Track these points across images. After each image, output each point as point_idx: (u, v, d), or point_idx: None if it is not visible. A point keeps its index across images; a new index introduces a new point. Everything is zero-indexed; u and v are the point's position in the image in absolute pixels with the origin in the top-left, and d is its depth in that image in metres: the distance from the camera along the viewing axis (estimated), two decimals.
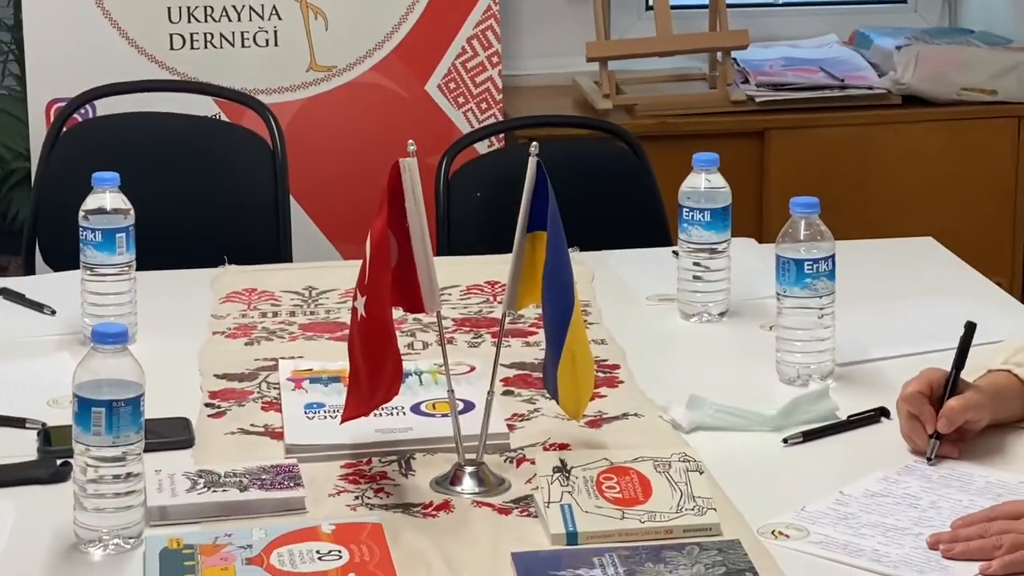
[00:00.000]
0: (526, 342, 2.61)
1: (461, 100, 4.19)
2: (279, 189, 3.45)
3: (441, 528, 1.98)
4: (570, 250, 2.13)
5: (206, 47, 4.10)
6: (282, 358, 2.51)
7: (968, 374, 2.20)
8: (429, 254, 2.11)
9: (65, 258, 3.13)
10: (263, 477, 2.06)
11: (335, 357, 2.45)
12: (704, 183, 2.69)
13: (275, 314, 2.77)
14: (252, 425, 2.29)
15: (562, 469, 2.03)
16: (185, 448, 2.20)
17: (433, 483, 2.10)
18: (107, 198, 2.55)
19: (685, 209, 2.69)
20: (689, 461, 2.06)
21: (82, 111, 3.69)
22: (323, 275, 2.97)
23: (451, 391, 2.14)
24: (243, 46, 4.11)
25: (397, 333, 2.12)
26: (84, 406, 1.88)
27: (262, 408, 2.35)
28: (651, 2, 4.53)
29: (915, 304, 2.78)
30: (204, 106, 3.88)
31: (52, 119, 3.97)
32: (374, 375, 2.09)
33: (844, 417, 2.29)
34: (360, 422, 2.15)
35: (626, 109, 4.30)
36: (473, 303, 2.82)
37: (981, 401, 2.17)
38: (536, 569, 1.85)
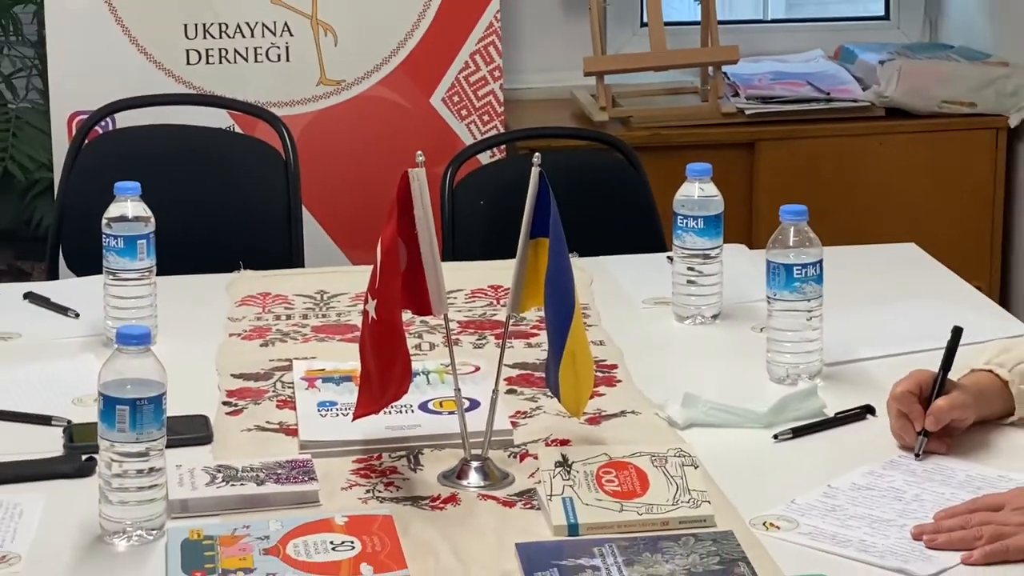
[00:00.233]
0: (528, 343, 2.61)
1: (464, 113, 4.18)
2: (291, 198, 3.45)
3: (448, 520, 1.98)
4: (570, 256, 2.13)
5: (221, 62, 4.09)
6: (296, 359, 2.51)
7: (952, 373, 2.20)
8: (437, 259, 2.12)
9: (87, 263, 3.12)
10: (279, 472, 2.06)
11: (346, 357, 2.45)
12: (698, 192, 2.68)
13: (288, 317, 2.76)
14: (268, 422, 2.29)
15: (563, 464, 2.03)
16: (204, 444, 2.20)
17: (440, 477, 2.10)
18: (129, 206, 2.54)
19: (679, 217, 2.69)
20: (684, 456, 2.06)
21: (102, 123, 3.68)
22: (334, 280, 2.97)
23: (458, 390, 2.14)
24: (256, 61, 4.11)
25: (406, 335, 2.12)
26: (109, 404, 1.88)
27: (277, 406, 2.35)
28: (645, 19, 4.53)
29: (898, 307, 2.78)
30: (219, 119, 3.87)
31: (74, 131, 3.97)
32: (384, 374, 2.09)
33: (831, 414, 2.29)
34: (371, 419, 2.15)
35: (622, 121, 4.30)
36: (477, 306, 2.82)
37: (967, 401, 2.17)
38: (539, 559, 1.85)
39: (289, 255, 3.39)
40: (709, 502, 1.98)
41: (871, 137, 4.36)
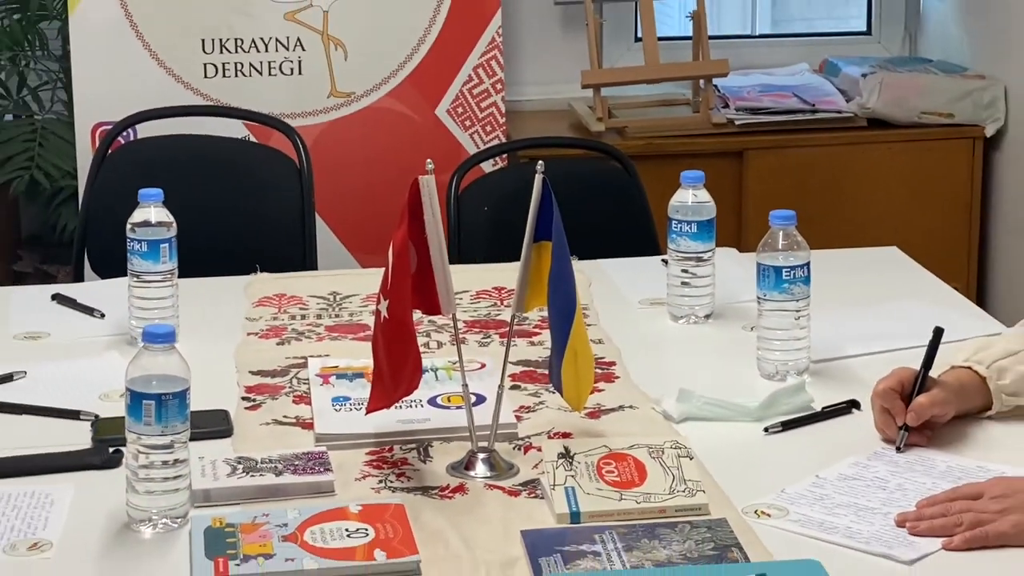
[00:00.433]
0: (531, 342, 2.60)
1: (468, 123, 4.18)
2: (305, 204, 3.44)
3: (457, 509, 1.99)
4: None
5: (237, 75, 4.09)
6: (311, 356, 2.50)
7: (932, 370, 2.20)
8: (445, 262, 2.11)
9: (111, 266, 3.12)
10: (296, 463, 2.06)
11: (358, 355, 2.46)
12: (691, 198, 2.68)
13: (303, 317, 2.76)
14: (285, 416, 2.29)
15: (566, 455, 2.04)
16: (225, 437, 2.20)
17: (449, 468, 2.11)
18: (152, 212, 2.54)
19: (674, 221, 2.68)
20: (680, 448, 2.07)
21: (124, 133, 3.66)
22: (346, 282, 2.96)
23: (465, 386, 2.14)
24: (270, 74, 4.11)
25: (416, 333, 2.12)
26: (136, 399, 1.88)
27: (293, 401, 2.35)
28: (640, 34, 4.53)
29: (881, 307, 2.78)
30: (234, 129, 3.87)
31: (97, 141, 3.97)
32: (396, 371, 2.09)
33: (819, 408, 2.29)
34: (383, 413, 2.16)
35: (617, 131, 4.30)
36: (482, 307, 2.81)
37: (947, 398, 2.18)
38: (543, 545, 1.85)
39: (303, 258, 3.39)
40: (704, 491, 1.99)
41: (854, 146, 4.35)
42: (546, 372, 2.41)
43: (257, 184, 3.50)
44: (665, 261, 2.79)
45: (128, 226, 2.55)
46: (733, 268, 2.88)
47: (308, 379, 2.41)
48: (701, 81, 4.41)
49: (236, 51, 4.09)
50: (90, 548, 1.89)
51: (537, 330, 2.65)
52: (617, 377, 2.45)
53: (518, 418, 2.26)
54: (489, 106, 4.19)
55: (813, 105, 4.38)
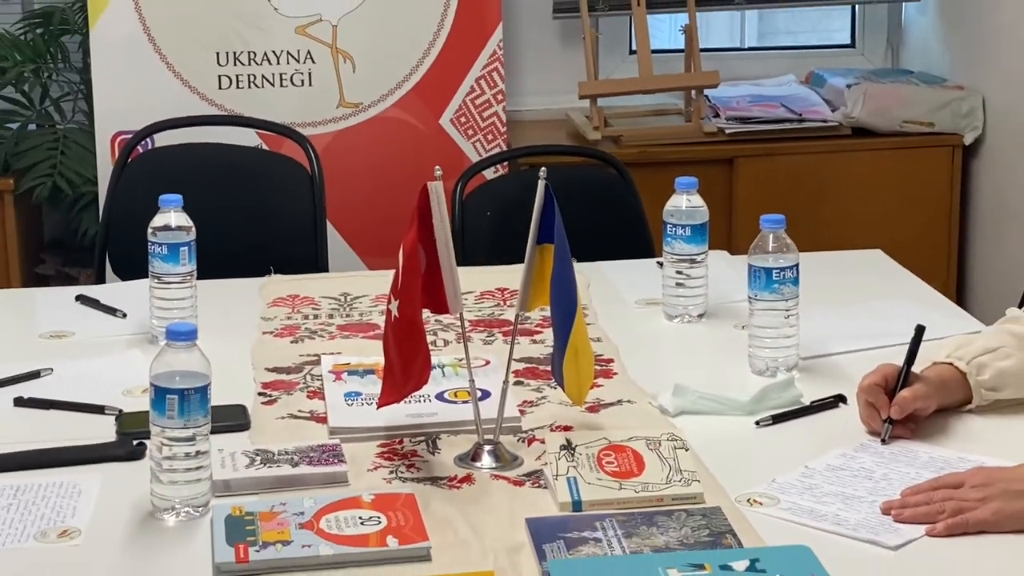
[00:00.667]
0: (533, 340, 2.61)
1: (471, 132, 4.18)
2: (317, 209, 3.44)
3: (464, 498, 1.99)
4: None
5: (250, 87, 4.10)
6: (323, 354, 2.50)
7: (915, 366, 2.21)
8: (453, 263, 2.11)
9: (131, 268, 3.14)
10: (311, 455, 2.07)
11: (369, 353, 2.46)
12: (685, 203, 2.68)
13: (315, 316, 2.76)
14: (299, 411, 2.29)
15: (568, 447, 2.04)
16: (243, 431, 2.21)
17: (456, 459, 2.11)
18: (172, 217, 2.54)
19: (669, 225, 2.69)
20: (676, 440, 2.07)
21: (142, 143, 3.66)
22: (356, 283, 2.96)
23: (472, 381, 2.14)
24: (281, 86, 4.11)
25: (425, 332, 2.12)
26: (160, 394, 1.89)
27: (307, 396, 2.35)
28: (634, 47, 4.54)
29: (866, 307, 2.78)
30: (247, 138, 3.86)
31: (117, 149, 3.98)
32: (406, 367, 2.09)
33: (807, 403, 2.30)
34: (393, 408, 2.16)
35: (613, 140, 4.30)
36: (486, 306, 2.82)
37: (929, 392, 2.18)
38: (547, 532, 1.85)
39: (315, 261, 3.38)
40: (699, 481, 1.99)
41: (840, 154, 4.36)
42: (548, 369, 2.42)
43: (270, 190, 3.50)
44: (660, 263, 2.80)
45: (149, 230, 2.55)
46: (725, 270, 2.89)
47: (321, 375, 2.41)
48: (693, 92, 4.41)
49: (249, 63, 4.10)
50: (117, 535, 1.90)
51: (539, 329, 2.65)
52: (615, 373, 2.45)
53: (522, 412, 2.27)
54: (491, 116, 4.19)
55: (800, 115, 4.39)
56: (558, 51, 4.68)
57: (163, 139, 3.71)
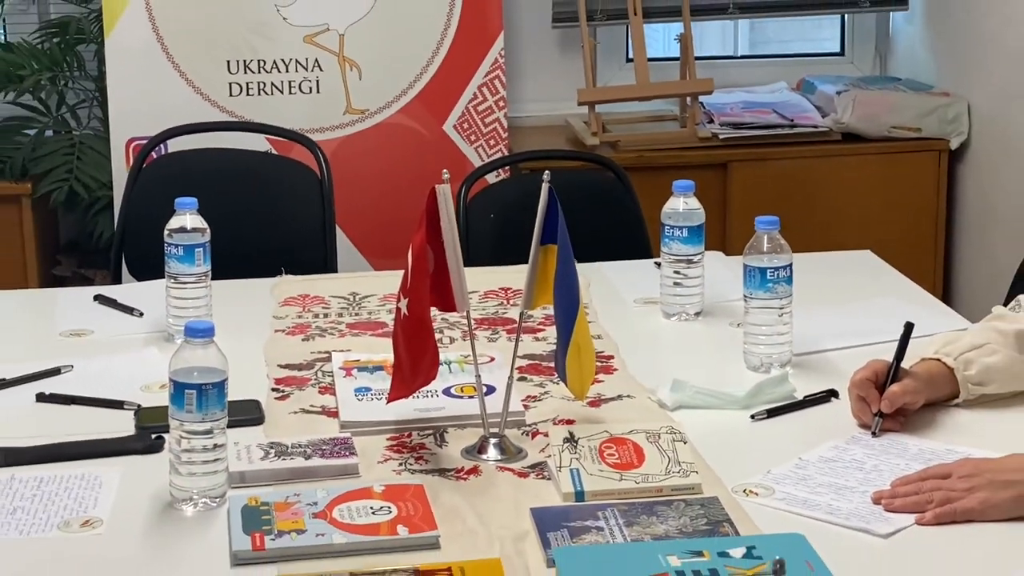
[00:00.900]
0: (535, 337, 2.61)
1: (473, 138, 4.18)
2: (326, 211, 3.44)
3: (471, 489, 2.00)
4: None
5: (259, 94, 4.10)
6: (334, 351, 2.51)
7: (904, 362, 2.22)
8: (460, 263, 2.12)
9: (146, 269, 3.15)
10: (323, 447, 2.08)
11: (377, 350, 2.47)
12: (682, 205, 2.69)
13: (326, 315, 2.76)
14: (311, 406, 2.30)
15: (570, 440, 2.05)
16: (257, 425, 2.21)
17: (463, 452, 2.12)
18: (188, 219, 2.54)
19: (666, 227, 2.69)
20: (675, 433, 2.08)
21: (156, 148, 3.65)
22: (364, 283, 2.97)
23: (478, 377, 2.15)
24: (290, 93, 4.11)
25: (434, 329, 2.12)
26: (179, 389, 1.90)
27: (319, 392, 2.35)
28: (631, 55, 4.54)
29: (856, 305, 2.79)
30: (257, 143, 3.85)
31: (131, 155, 3.98)
32: (415, 363, 2.10)
33: (800, 397, 2.30)
34: (402, 402, 2.17)
35: (611, 145, 4.30)
36: (490, 305, 2.82)
37: (918, 387, 2.19)
38: (551, 521, 1.87)
39: (324, 262, 3.38)
40: (697, 472, 2.00)
41: (830, 158, 4.36)
42: (550, 365, 2.44)
43: (281, 194, 3.50)
44: (658, 263, 2.80)
45: (165, 232, 2.55)
46: (720, 270, 2.89)
47: (332, 372, 2.42)
48: (688, 98, 4.42)
49: (259, 71, 4.10)
50: (137, 525, 1.91)
51: (541, 327, 2.66)
52: (616, 369, 2.46)
53: (526, 407, 2.28)
54: (493, 122, 4.20)
55: (791, 120, 4.39)
56: (557, 59, 4.68)
57: (176, 144, 3.71)
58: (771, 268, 2.41)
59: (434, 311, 2.16)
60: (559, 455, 2.03)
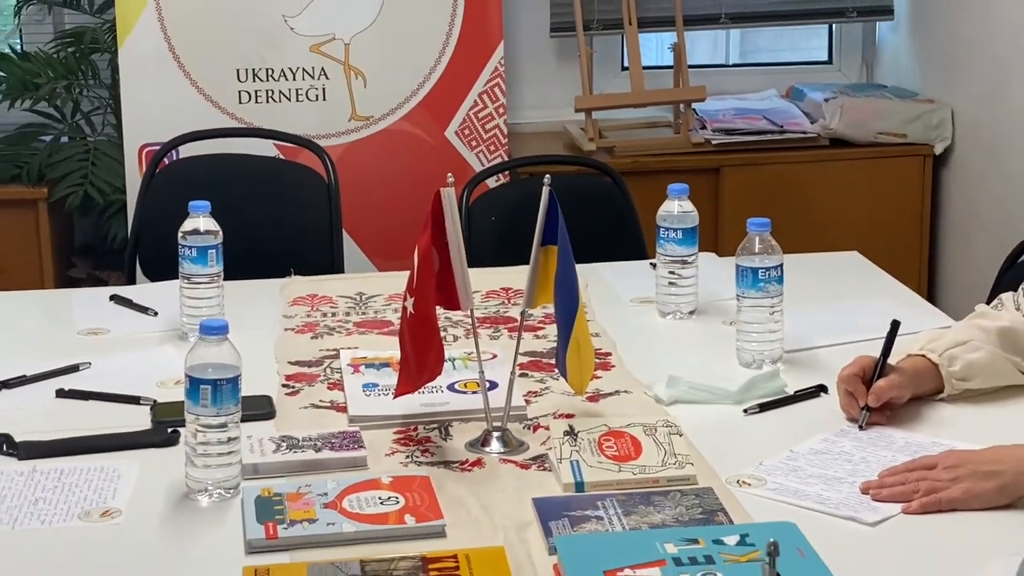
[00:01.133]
0: (536, 335, 2.62)
1: (474, 143, 4.19)
2: (333, 214, 3.44)
3: (475, 480, 2.01)
4: None
5: (268, 101, 4.10)
6: (342, 348, 2.51)
7: (891, 358, 2.23)
8: (464, 264, 2.13)
9: (159, 270, 3.15)
10: (332, 441, 2.09)
11: (384, 347, 2.47)
12: (677, 208, 2.69)
13: (334, 314, 2.76)
14: (321, 401, 2.30)
15: (570, 433, 2.06)
16: (269, 419, 2.22)
17: (467, 445, 2.12)
18: (201, 221, 2.55)
19: (662, 229, 2.69)
20: (671, 427, 2.09)
21: (168, 154, 3.65)
22: (370, 283, 2.97)
23: (482, 373, 2.16)
24: (297, 100, 4.12)
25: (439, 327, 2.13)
26: (194, 384, 1.91)
27: (328, 388, 2.36)
28: (626, 63, 4.55)
29: (845, 304, 2.79)
30: (265, 149, 3.85)
31: (144, 160, 3.98)
32: (421, 360, 2.10)
33: (791, 392, 2.31)
34: (408, 397, 2.17)
35: (607, 150, 4.30)
36: (492, 305, 2.82)
37: (904, 382, 2.20)
38: (552, 510, 1.87)
39: (331, 263, 3.38)
40: (692, 464, 2.01)
41: (818, 163, 4.36)
42: (550, 362, 2.44)
43: (290, 198, 3.50)
44: (653, 264, 2.80)
45: (179, 234, 2.55)
46: (713, 270, 2.89)
47: (340, 368, 2.42)
48: (681, 105, 4.43)
49: (267, 79, 4.11)
50: (155, 515, 1.92)
51: (541, 325, 2.67)
52: (613, 366, 2.47)
53: (527, 401, 2.28)
54: (493, 128, 4.20)
55: (781, 126, 4.40)
56: (555, 67, 4.69)
57: (188, 150, 3.71)
58: (763, 268, 2.41)
59: (439, 310, 2.17)
60: (560, 448, 2.04)
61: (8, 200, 4.27)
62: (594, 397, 2.31)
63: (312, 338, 2.64)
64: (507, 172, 3.98)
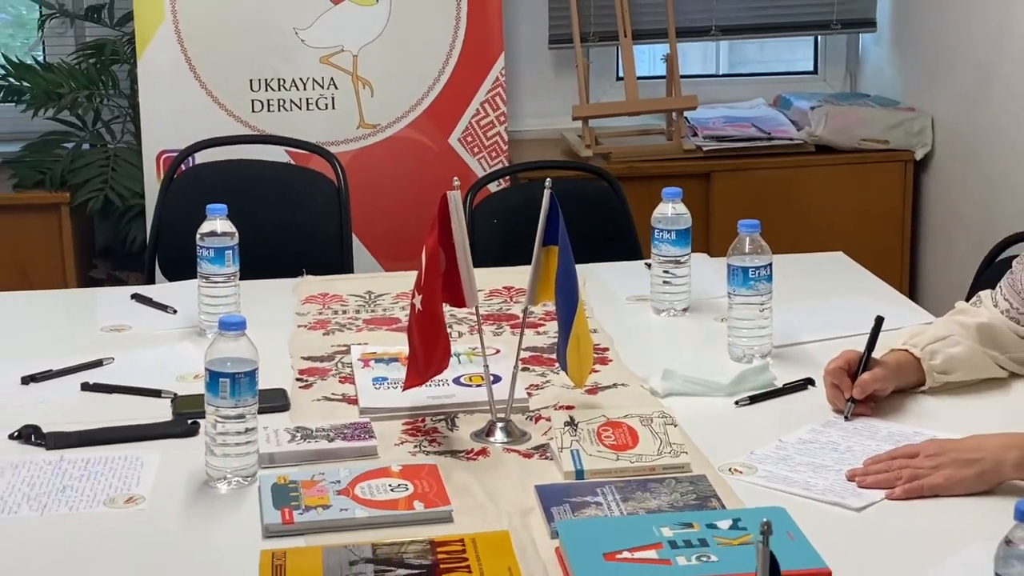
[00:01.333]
0: (537, 332, 2.62)
1: (476, 150, 4.19)
2: (343, 217, 3.45)
3: (481, 468, 2.02)
4: None
5: (279, 110, 4.10)
6: (353, 344, 2.52)
7: (875, 352, 2.24)
8: (469, 263, 2.13)
9: (178, 271, 3.15)
10: (344, 431, 2.10)
11: (392, 343, 2.48)
12: (671, 210, 2.70)
13: (344, 312, 2.77)
14: (333, 394, 2.31)
15: (570, 424, 2.07)
16: (284, 411, 2.23)
17: (472, 435, 2.13)
18: (218, 224, 2.55)
19: (656, 230, 2.69)
20: (666, 418, 2.10)
21: (185, 160, 3.67)
22: (378, 283, 2.97)
23: (486, 367, 2.17)
24: (308, 109, 4.12)
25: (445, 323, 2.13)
26: (214, 377, 1.92)
27: (339, 381, 2.37)
28: (621, 74, 4.56)
29: (830, 302, 2.79)
30: (277, 156, 3.85)
31: (163, 166, 3.98)
32: (428, 354, 2.11)
33: (780, 385, 2.32)
34: (416, 390, 2.19)
35: (603, 156, 4.30)
36: (495, 303, 2.82)
37: (887, 375, 2.20)
38: (554, 497, 1.89)
39: (341, 263, 3.39)
40: (686, 453, 2.02)
41: (805, 168, 4.37)
42: (551, 357, 2.45)
43: (303, 201, 3.50)
44: (648, 264, 2.81)
45: (198, 236, 2.56)
46: (705, 270, 2.90)
47: (351, 363, 2.43)
48: (674, 113, 4.43)
49: (279, 89, 4.11)
50: (176, 501, 1.93)
51: (542, 322, 2.67)
52: (611, 361, 2.48)
53: (529, 394, 2.29)
54: (494, 135, 4.20)
55: (769, 134, 4.40)
56: (553, 78, 4.70)
57: (203, 156, 3.71)
58: (753, 267, 2.42)
59: (445, 307, 2.17)
60: (560, 437, 2.05)
61: (32, 204, 4.27)
62: (593, 390, 2.32)
63: (324, 334, 2.64)
64: (508, 177, 3.96)
